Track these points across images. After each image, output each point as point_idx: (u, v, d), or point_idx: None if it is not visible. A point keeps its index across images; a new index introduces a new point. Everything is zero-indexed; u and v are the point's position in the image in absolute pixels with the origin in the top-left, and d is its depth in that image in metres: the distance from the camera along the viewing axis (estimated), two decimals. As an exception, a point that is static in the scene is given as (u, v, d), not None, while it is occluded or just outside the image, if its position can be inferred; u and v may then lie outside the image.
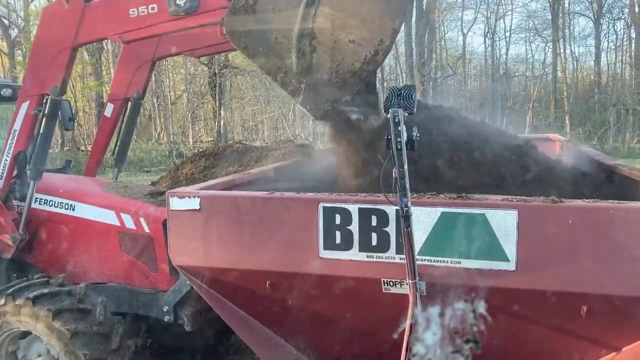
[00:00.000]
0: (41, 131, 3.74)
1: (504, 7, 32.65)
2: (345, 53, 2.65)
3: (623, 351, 2.25)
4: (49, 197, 3.95)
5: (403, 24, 3.10)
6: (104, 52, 27.60)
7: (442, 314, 2.28)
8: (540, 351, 2.40)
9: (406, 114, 2.02)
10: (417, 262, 2.17)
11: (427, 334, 2.26)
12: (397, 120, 1.99)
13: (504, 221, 2.14)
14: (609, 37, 31.20)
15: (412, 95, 2.06)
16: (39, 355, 3.54)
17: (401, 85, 2.15)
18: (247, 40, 2.95)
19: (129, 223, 3.60)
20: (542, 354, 2.41)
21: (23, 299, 3.32)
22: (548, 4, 29.73)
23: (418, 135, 2.12)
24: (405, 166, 2.03)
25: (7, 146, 3.84)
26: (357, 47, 2.62)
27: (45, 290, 3.39)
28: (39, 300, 3.31)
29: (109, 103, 4.80)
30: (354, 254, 2.34)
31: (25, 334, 3.53)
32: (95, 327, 3.31)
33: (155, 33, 3.53)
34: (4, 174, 3.87)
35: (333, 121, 2.99)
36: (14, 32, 27.88)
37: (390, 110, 2.02)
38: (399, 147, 2.00)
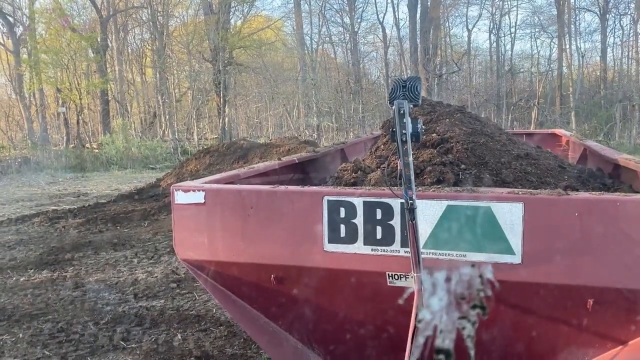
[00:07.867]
0: None
1: (509, 3, 32.65)
2: None
3: (629, 345, 2.24)
4: None
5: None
6: (109, 49, 27.62)
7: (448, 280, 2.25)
8: (545, 344, 2.39)
9: (411, 106, 2.01)
10: (422, 255, 2.17)
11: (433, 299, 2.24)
12: (402, 112, 1.98)
13: (509, 214, 2.12)
14: (615, 32, 31.06)
15: (417, 86, 2.04)
16: None
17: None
18: None
19: None
20: (547, 347, 2.40)
21: None
22: (553, -1, 29.57)
23: (423, 127, 2.10)
24: (410, 159, 2.02)
25: None
26: None
27: None
28: None
29: None
30: (359, 248, 2.33)
31: None
32: None
33: None
34: None
35: None
36: (19, 30, 27.96)
37: (395, 101, 2.00)
38: (403, 139, 1.99)
